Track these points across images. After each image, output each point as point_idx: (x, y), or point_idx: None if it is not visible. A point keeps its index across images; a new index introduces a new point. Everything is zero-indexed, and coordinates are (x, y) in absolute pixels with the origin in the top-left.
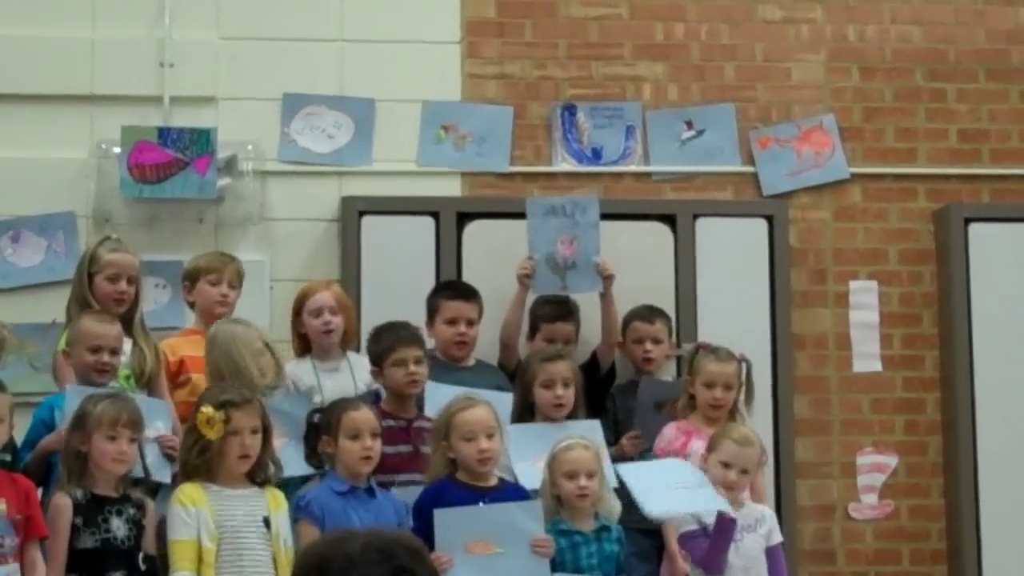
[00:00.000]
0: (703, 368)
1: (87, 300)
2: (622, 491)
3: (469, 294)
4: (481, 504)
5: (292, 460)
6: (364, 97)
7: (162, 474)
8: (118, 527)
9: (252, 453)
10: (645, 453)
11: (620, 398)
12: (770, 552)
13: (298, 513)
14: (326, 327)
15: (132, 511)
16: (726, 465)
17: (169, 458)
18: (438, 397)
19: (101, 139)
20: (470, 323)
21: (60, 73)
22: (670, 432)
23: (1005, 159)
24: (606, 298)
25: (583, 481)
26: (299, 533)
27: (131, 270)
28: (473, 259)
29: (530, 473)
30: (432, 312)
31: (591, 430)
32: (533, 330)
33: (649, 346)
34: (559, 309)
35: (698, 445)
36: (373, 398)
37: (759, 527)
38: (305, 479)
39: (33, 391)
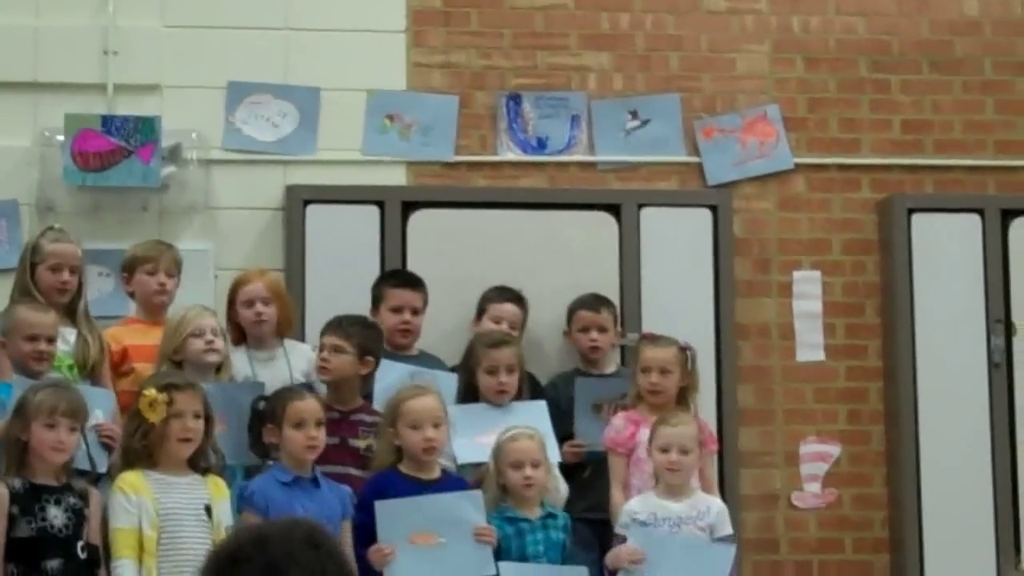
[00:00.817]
0: (641, 354)
1: (29, 291)
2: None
3: (414, 283)
4: (429, 492)
5: (233, 448)
6: (309, 86)
7: (99, 464)
8: (55, 516)
9: (194, 437)
10: (588, 457)
11: (563, 386)
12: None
13: (242, 504)
14: (258, 317)
15: (73, 500)
16: (663, 450)
17: (107, 447)
18: (387, 376)
19: (44, 127)
20: (415, 311)
21: (3, 60)
22: (619, 422)
23: (948, 150)
24: None
25: (528, 471)
26: (242, 523)
27: (73, 260)
28: (418, 248)
29: (468, 449)
30: (376, 300)
31: (536, 411)
32: (480, 312)
33: (595, 335)
34: (507, 292)
35: (645, 434)
36: (306, 389)
37: (701, 519)
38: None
39: None
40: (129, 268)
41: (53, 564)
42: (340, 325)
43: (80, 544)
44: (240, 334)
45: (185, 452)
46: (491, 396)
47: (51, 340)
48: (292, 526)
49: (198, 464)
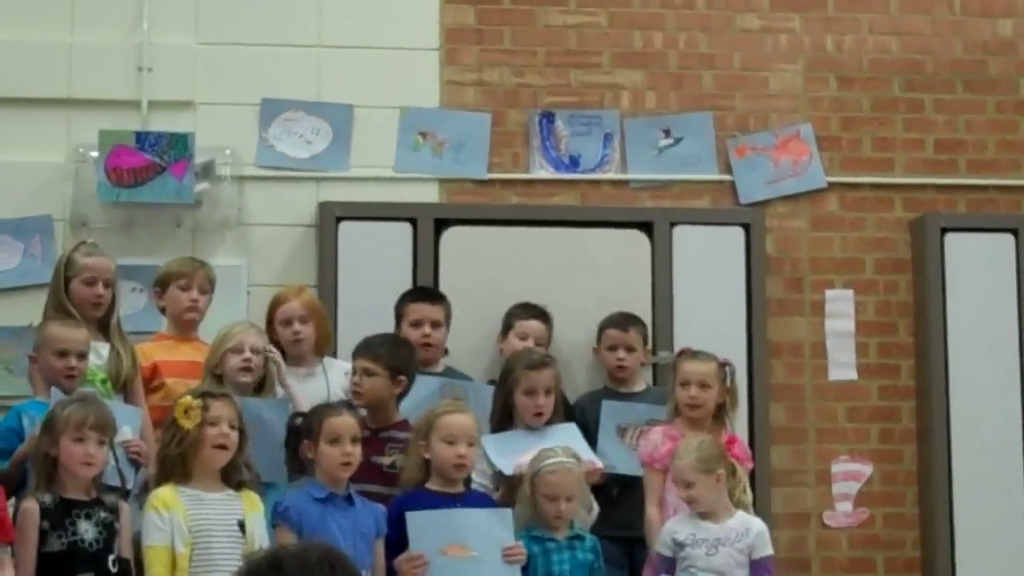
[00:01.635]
0: (681, 368)
1: (63, 305)
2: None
3: (433, 297)
4: (457, 507)
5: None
6: (342, 103)
7: (128, 480)
8: (86, 530)
9: (229, 445)
10: (612, 478)
11: (590, 407)
12: (755, 565)
13: (276, 519)
14: (295, 337)
15: (104, 514)
16: (686, 484)
17: (135, 464)
18: (417, 391)
19: (79, 143)
20: (435, 324)
21: (38, 76)
22: (656, 437)
23: (982, 169)
24: None
25: (563, 505)
26: (277, 539)
27: (107, 274)
28: (450, 265)
29: (509, 467)
30: (399, 317)
31: (570, 435)
32: (506, 329)
33: (622, 354)
34: (532, 309)
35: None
36: (345, 406)
37: (739, 540)
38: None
39: (8, 395)
40: (163, 283)
41: None
42: (368, 347)
43: (111, 558)
44: (279, 352)
45: (220, 460)
46: (528, 418)
47: (82, 356)
48: (307, 548)
49: (232, 479)
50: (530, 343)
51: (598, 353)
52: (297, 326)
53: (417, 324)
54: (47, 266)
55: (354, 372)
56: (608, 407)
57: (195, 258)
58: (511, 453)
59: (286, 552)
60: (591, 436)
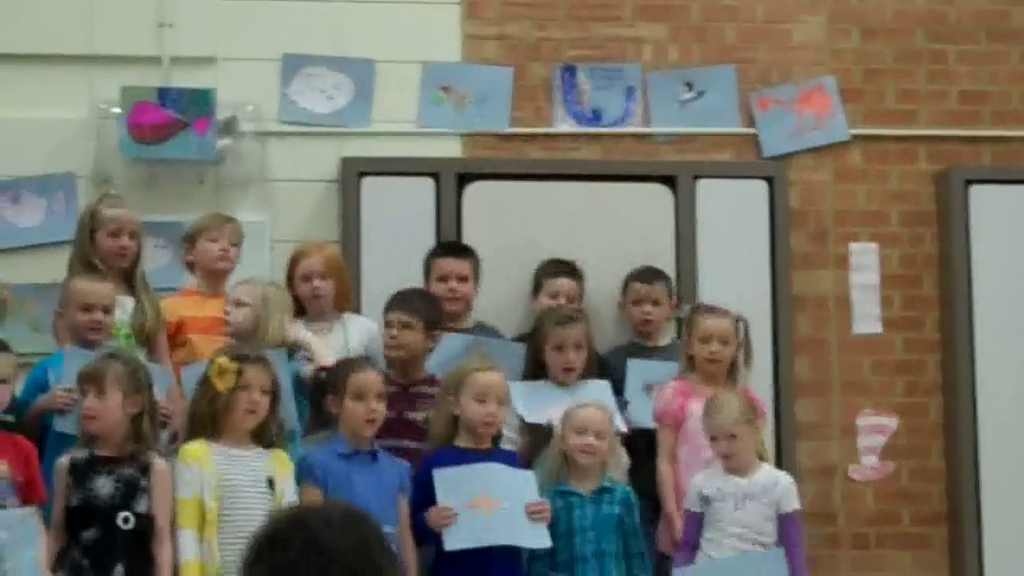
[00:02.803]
0: (699, 324)
1: (88, 258)
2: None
3: (460, 251)
4: (481, 464)
5: None
6: (364, 58)
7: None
8: (103, 485)
9: (260, 411)
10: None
11: (616, 361)
12: (783, 520)
13: (301, 475)
14: (315, 292)
15: (128, 471)
16: (713, 439)
17: (161, 425)
18: (447, 347)
19: (100, 99)
20: (461, 279)
21: (59, 33)
22: (668, 394)
23: (1006, 121)
24: None
25: (591, 439)
26: (302, 495)
27: (132, 225)
28: (473, 220)
29: (534, 415)
30: (427, 272)
31: (601, 391)
32: (537, 288)
33: (648, 308)
34: (562, 265)
35: (696, 407)
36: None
37: (766, 494)
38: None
39: (34, 351)
40: (191, 238)
41: (88, 534)
42: (406, 300)
43: (122, 515)
44: (299, 306)
45: (249, 424)
46: (558, 373)
47: (107, 310)
48: (329, 505)
49: (263, 437)
50: (561, 301)
51: (623, 307)
52: (317, 282)
53: (443, 279)
54: (70, 223)
55: (389, 325)
56: (634, 365)
57: (218, 213)
58: (538, 404)
59: (308, 510)
60: (618, 390)
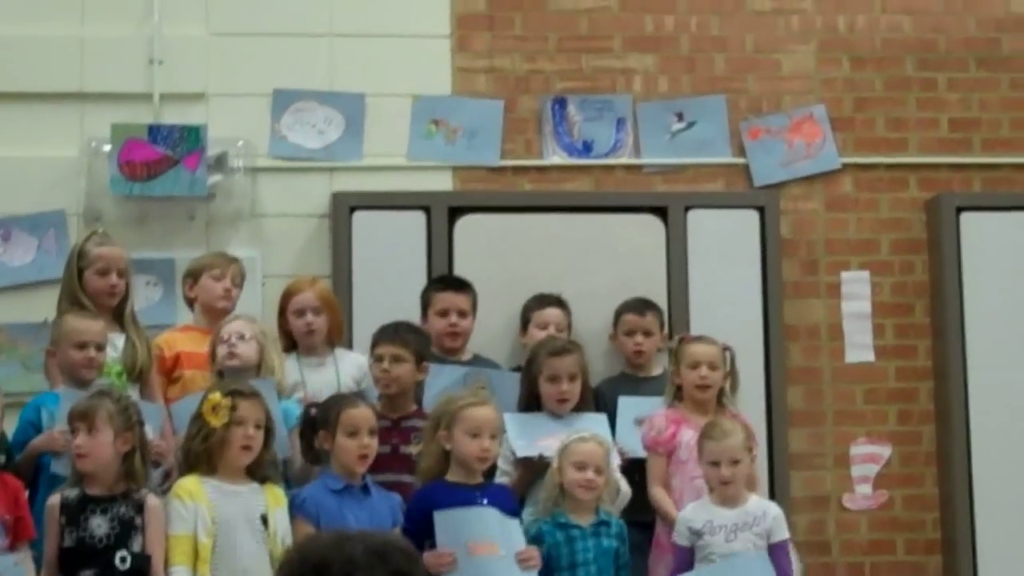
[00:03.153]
0: (687, 352)
1: (77, 296)
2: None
3: (460, 285)
4: (484, 503)
5: None
6: (354, 92)
7: (149, 479)
8: (98, 525)
9: (254, 445)
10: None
11: (608, 393)
12: (773, 549)
13: (294, 511)
14: (308, 327)
15: (123, 510)
16: (714, 464)
17: (154, 464)
18: (441, 380)
19: (91, 137)
20: (462, 314)
21: (49, 71)
22: (659, 421)
23: (996, 148)
24: None
25: (590, 474)
26: (294, 531)
27: (120, 263)
28: (465, 253)
29: (526, 448)
30: (425, 306)
31: (597, 424)
32: (524, 324)
33: (640, 339)
34: (547, 298)
35: (687, 435)
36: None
37: (757, 524)
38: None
39: (25, 391)
40: (195, 274)
41: (86, 575)
42: (397, 333)
43: (120, 555)
44: (291, 341)
45: (244, 460)
46: (552, 405)
47: (100, 348)
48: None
49: (256, 473)
50: (551, 331)
51: (615, 339)
52: (310, 317)
53: (444, 313)
54: (61, 261)
55: (379, 359)
56: (624, 402)
57: (222, 252)
58: (532, 435)
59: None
60: (610, 422)
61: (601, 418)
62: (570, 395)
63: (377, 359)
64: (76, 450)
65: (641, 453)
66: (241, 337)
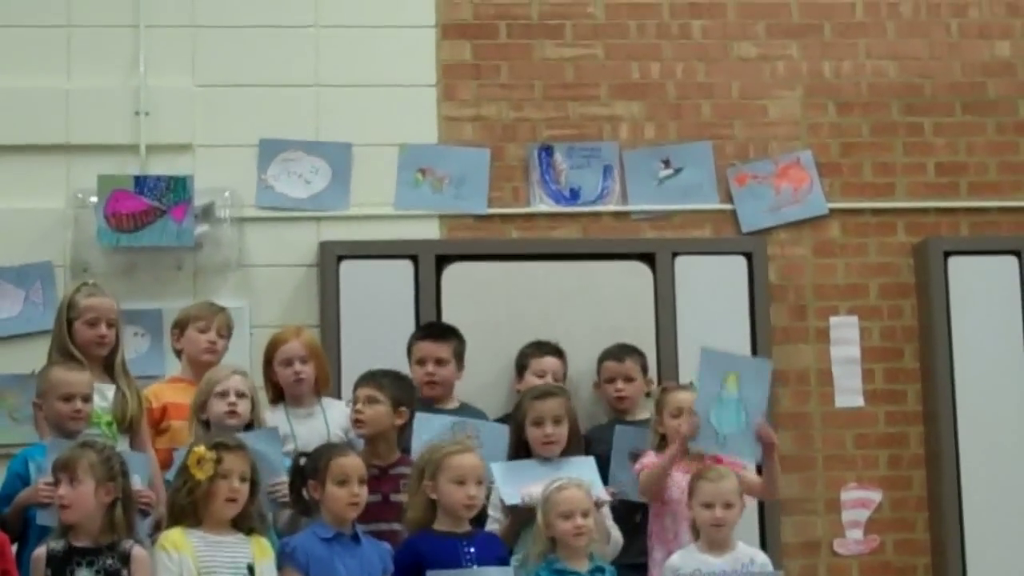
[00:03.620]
0: (670, 400)
1: (67, 348)
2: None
3: (440, 334)
4: (471, 551)
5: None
6: (341, 142)
7: (138, 529)
8: None
9: (239, 498)
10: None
11: (597, 439)
12: None
13: (283, 560)
14: (296, 376)
15: (109, 562)
16: (707, 505)
17: (143, 513)
18: (428, 429)
19: (77, 188)
20: (439, 362)
21: (36, 123)
22: (649, 460)
23: (983, 192)
24: (767, 465)
25: (579, 520)
26: None
27: (110, 313)
28: (453, 302)
29: (512, 496)
30: (408, 354)
31: (585, 467)
32: (521, 370)
33: (620, 384)
34: (546, 346)
35: (678, 477)
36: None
37: (744, 571)
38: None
39: (13, 443)
40: (181, 325)
41: None
42: (373, 376)
43: None
44: (278, 392)
45: (230, 513)
46: (538, 448)
47: (87, 399)
48: None
49: (242, 524)
50: (548, 380)
51: (599, 387)
52: (298, 366)
53: (422, 362)
54: (49, 312)
55: (355, 401)
56: (620, 431)
57: (214, 304)
58: (520, 482)
59: None
60: (603, 466)
61: (589, 461)
62: (555, 438)
63: (353, 401)
64: (59, 501)
65: (633, 495)
66: (241, 395)
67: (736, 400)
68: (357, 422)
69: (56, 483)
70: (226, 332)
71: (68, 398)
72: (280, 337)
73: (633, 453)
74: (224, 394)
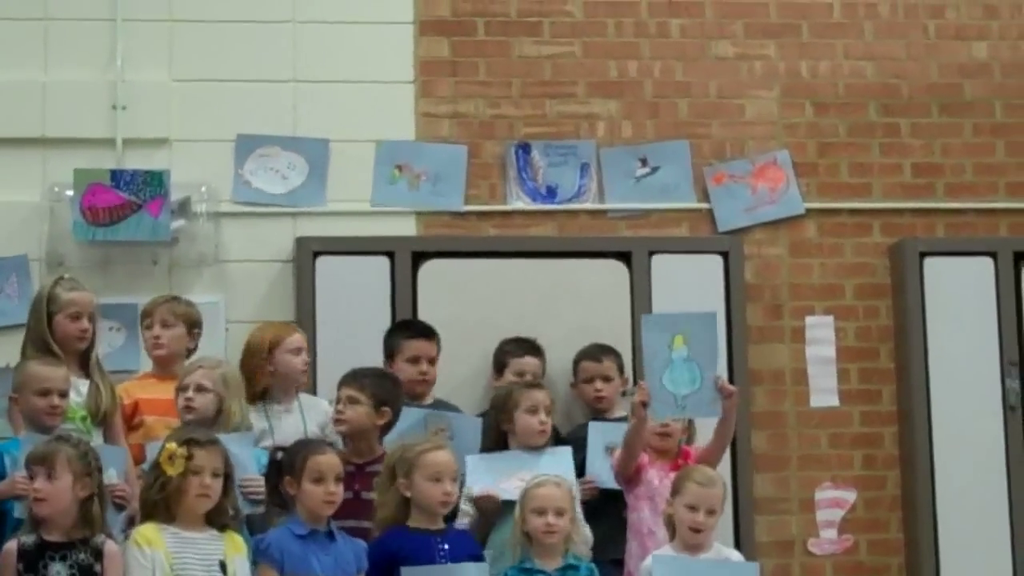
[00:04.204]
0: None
1: (46, 342)
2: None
3: (428, 333)
4: (445, 548)
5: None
6: (318, 137)
7: (112, 522)
8: (57, 572)
9: (212, 494)
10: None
11: (575, 440)
12: None
13: (258, 556)
14: (304, 366)
15: (82, 556)
16: (692, 507)
17: (119, 507)
18: (401, 422)
19: (54, 182)
20: (431, 361)
21: (12, 116)
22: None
23: (959, 193)
24: (725, 418)
25: (551, 518)
26: None
27: (90, 308)
28: (429, 298)
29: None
30: (391, 352)
31: (561, 457)
32: (500, 367)
33: (599, 384)
34: (526, 345)
35: (652, 475)
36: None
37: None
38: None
39: None
40: (142, 321)
41: None
42: (355, 377)
43: None
44: (258, 389)
45: (201, 508)
46: (531, 437)
47: (63, 394)
48: None
49: (216, 520)
50: (528, 379)
51: (576, 387)
52: (305, 356)
53: (414, 361)
54: (23, 306)
55: (338, 400)
56: (595, 427)
57: (165, 295)
58: (496, 475)
59: None
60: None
61: (565, 451)
62: (549, 427)
63: (336, 400)
64: (34, 494)
65: (613, 484)
66: (200, 388)
67: (686, 359)
68: (337, 421)
69: (32, 476)
70: (172, 320)
71: (45, 393)
72: (284, 329)
73: (608, 447)
74: (184, 388)
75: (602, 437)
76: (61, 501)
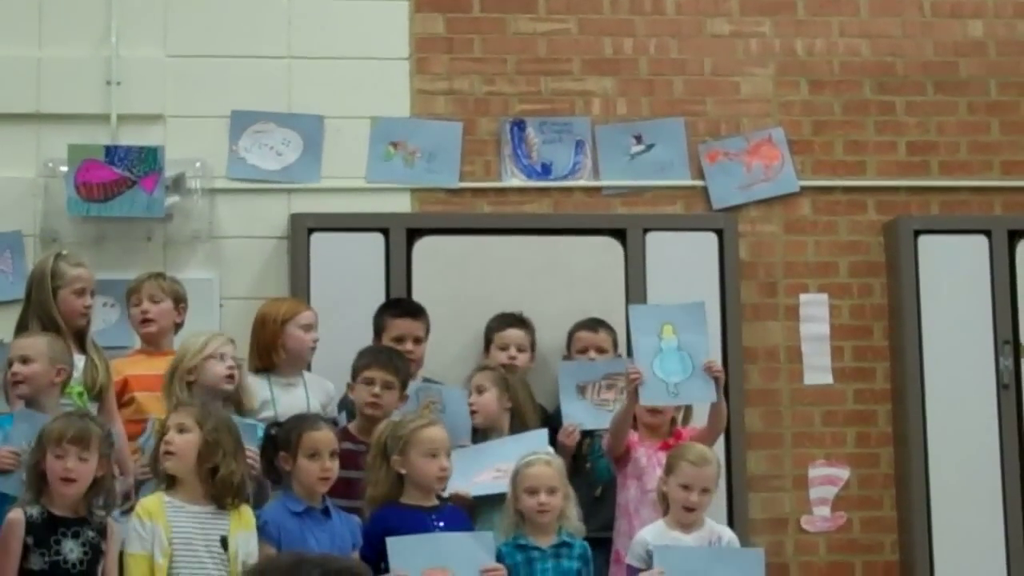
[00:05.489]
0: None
1: (53, 316)
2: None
3: (415, 311)
4: (436, 531)
5: None
6: (313, 114)
7: None
8: (71, 549)
9: (174, 450)
10: (598, 477)
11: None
12: None
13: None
14: (314, 343)
15: (91, 534)
16: (685, 487)
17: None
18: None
19: (48, 158)
20: (417, 341)
21: (6, 91)
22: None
23: (954, 171)
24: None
25: (543, 497)
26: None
27: (92, 284)
28: (423, 275)
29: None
30: (379, 330)
31: (537, 439)
32: (488, 344)
33: (594, 355)
34: (510, 318)
35: (641, 454)
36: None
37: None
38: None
39: None
40: (128, 298)
41: None
42: (390, 360)
43: None
44: (263, 362)
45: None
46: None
47: (24, 360)
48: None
49: (224, 494)
50: (512, 352)
51: (569, 358)
52: (315, 333)
53: (400, 340)
54: (18, 282)
55: (370, 382)
56: (565, 367)
57: (148, 272)
58: (468, 470)
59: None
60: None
61: (541, 434)
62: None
63: (367, 382)
64: (66, 474)
65: (588, 424)
66: (237, 363)
67: (677, 347)
68: (373, 405)
69: (60, 455)
70: (160, 296)
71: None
72: (296, 305)
73: (580, 386)
74: (222, 358)
75: (572, 377)
76: (87, 480)
